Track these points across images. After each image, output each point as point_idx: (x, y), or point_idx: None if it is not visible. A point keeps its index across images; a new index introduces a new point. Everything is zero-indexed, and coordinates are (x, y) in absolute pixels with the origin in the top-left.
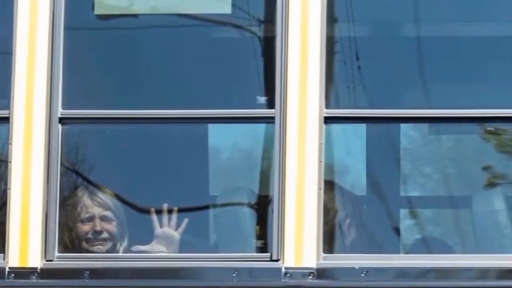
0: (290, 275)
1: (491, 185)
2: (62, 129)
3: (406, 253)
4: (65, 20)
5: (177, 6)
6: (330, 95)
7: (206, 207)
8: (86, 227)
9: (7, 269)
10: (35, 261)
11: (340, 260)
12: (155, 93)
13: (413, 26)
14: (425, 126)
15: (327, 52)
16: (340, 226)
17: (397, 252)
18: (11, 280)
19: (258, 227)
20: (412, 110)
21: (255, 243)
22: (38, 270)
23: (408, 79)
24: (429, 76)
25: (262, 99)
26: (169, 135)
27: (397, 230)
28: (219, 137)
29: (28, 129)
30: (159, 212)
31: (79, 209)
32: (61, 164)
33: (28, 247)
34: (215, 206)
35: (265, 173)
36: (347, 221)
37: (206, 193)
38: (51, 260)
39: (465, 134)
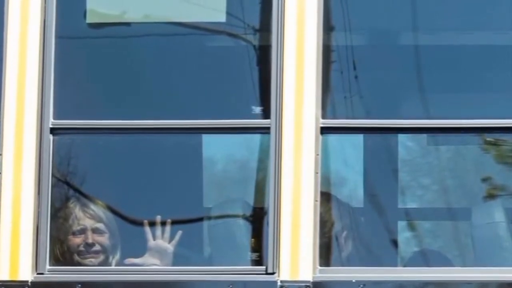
0: None
1: (490, 196)
2: (53, 139)
3: (404, 266)
4: (57, 28)
5: (171, 15)
6: (327, 105)
7: (200, 219)
8: (77, 240)
9: None
10: (26, 274)
11: (336, 273)
12: (148, 103)
13: (410, 35)
14: (423, 136)
15: (324, 61)
16: (336, 239)
17: (395, 265)
18: None
19: (253, 239)
20: (410, 120)
21: (250, 255)
22: (29, 283)
23: (406, 89)
24: (428, 86)
25: (258, 109)
26: (162, 145)
27: (395, 243)
28: (214, 147)
29: (19, 140)
30: (152, 224)
31: (70, 221)
32: (53, 175)
33: (18, 260)
34: (209, 218)
35: (260, 184)
36: (344, 233)
37: (200, 205)
38: (42, 273)
39: (464, 145)
